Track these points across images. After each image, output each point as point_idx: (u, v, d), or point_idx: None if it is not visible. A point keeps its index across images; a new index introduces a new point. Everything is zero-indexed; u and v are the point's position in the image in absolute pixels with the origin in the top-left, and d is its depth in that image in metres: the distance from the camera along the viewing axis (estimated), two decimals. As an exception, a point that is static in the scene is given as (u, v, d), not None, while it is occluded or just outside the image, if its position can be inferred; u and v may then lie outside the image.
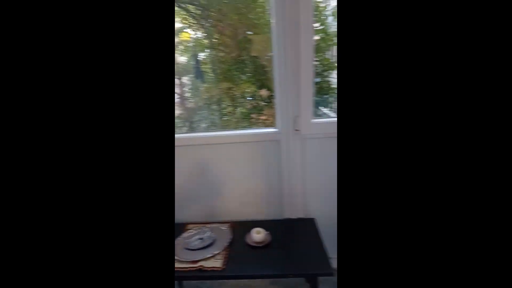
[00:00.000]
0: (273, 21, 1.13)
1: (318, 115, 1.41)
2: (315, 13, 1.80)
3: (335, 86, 2.45)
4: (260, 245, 1.19)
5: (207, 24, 1.65)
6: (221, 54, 1.73)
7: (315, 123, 1.25)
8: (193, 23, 1.61)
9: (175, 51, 1.64)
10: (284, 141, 1.29)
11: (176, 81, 1.73)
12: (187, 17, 1.60)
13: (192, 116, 1.80)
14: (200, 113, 1.77)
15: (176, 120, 1.67)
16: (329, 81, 2.42)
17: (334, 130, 1.28)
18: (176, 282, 1.48)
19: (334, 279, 1.46)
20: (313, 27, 1.15)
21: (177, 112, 1.76)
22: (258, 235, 1.21)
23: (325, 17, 2.15)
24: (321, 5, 1.87)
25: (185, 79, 1.76)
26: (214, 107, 1.82)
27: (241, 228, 1.29)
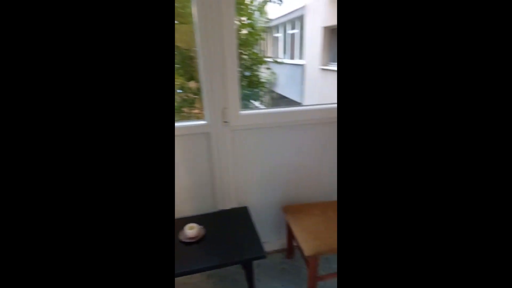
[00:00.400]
0: (194, 11, 1.10)
1: (249, 107, 1.44)
2: (241, 6, 1.82)
3: (264, 80, 2.56)
4: (194, 240, 1.17)
5: None
6: None
7: (243, 114, 1.28)
8: None
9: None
10: (213, 133, 1.28)
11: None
12: None
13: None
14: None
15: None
16: (258, 75, 2.51)
17: (261, 121, 1.35)
18: None
19: (268, 262, 1.56)
20: (235, 18, 1.16)
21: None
22: (191, 230, 1.19)
23: (252, 11, 2.20)
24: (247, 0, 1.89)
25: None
26: None
27: (175, 225, 1.24)
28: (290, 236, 1.48)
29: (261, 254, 1.09)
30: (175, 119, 1.70)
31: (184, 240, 1.17)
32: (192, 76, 1.66)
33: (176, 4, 1.43)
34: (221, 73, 1.19)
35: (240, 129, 1.30)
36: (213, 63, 1.16)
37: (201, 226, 1.22)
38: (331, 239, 1.19)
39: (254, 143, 1.36)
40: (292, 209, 1.42)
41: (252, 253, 1.10)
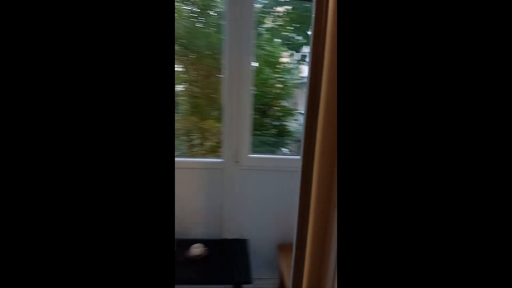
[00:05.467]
0: (224, 74, 1.48)
1: (275, 153, 1.67)
2: (278, 66, 2.18)
3: (292, 130, 2.80)
4: (198, 258, 1.38)
5: (187, 61, 1.95)
6: (196, 89, 2.01)
7: (252, 157, 1.55)
8: (175, 58, 1.91)
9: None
10: (226, 170, 1.56)
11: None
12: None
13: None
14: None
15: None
16: (286, 125, 2.79)
17: (267, 164, 1.59)
18: None
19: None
20: (252, 81, 1.52)
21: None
22: (196, 249, 1.41)
23: (286, 70, 2.57)
24: (284, 59, 2.25)
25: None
26: (183, 137, 2.05)
27: (184, 244, 1.47)
28: (282, 277, 1.57)
29: (248, 280, 1.24)
30: (193, 155, 1.96)
31: (189, 256, 1.39)
32: (208, 116, 2.00)
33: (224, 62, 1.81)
34: (237, 122, 1.50)
35: (248, 169, 1.55)
36: (233, 111, 1.49)
37: (206, 248, 1.43)
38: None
39: (261, 183, 1.58)
40: (286, 248, 1.53)
41: (241, 278, 1.26)
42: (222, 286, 1.64)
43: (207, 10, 1.87)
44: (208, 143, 1.96)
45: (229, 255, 1.44)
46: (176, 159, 1.57)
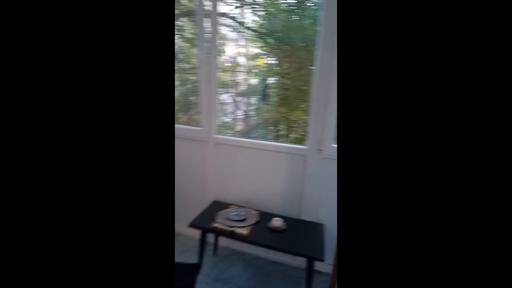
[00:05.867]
0: (316, 66, 1.55)
1: None
2: None
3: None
4: (277, 230, 1.59)
5: (281, 54, 2.09)
6: (287, 81, 2.14)
7: (335, 147, 1.60)
8: (269, 51, 2.03)
9: (250, 75, 2.11)
10: (309, 157, 1.67)
11: (245, 100, 2.21)
12: (264, 45, 2.03)
13: (250, 133, 2.22)
14: (259, 131, 2.15)
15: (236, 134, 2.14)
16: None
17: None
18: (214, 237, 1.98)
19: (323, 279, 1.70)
20: None
21: (239, 127, 2.25)
22: (277, 222, 1.61)
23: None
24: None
25: (252, 99, 2.18)
26: (271, 128, 2.19)
27: (265, 216, 1.71)
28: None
29: (321, 258, 1.36)
30: (279, 140, 2.09)
31: (269, 227, 1.60)
32: (296, 108, 2.08)
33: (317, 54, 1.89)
34: (324, 112, 1.58)
35: (331, 158, 1.62)
36: (320, 103, 1.58)
37: (285, 223, 1.62)
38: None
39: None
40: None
41: (314, 254, 1.39)
42: (295, 260, 1.82)
43: (304, 2, 1.93)
44: (293, 135, 2.08)
45: (305, 233, 1.58)
46: (264, 142, 1.79)
